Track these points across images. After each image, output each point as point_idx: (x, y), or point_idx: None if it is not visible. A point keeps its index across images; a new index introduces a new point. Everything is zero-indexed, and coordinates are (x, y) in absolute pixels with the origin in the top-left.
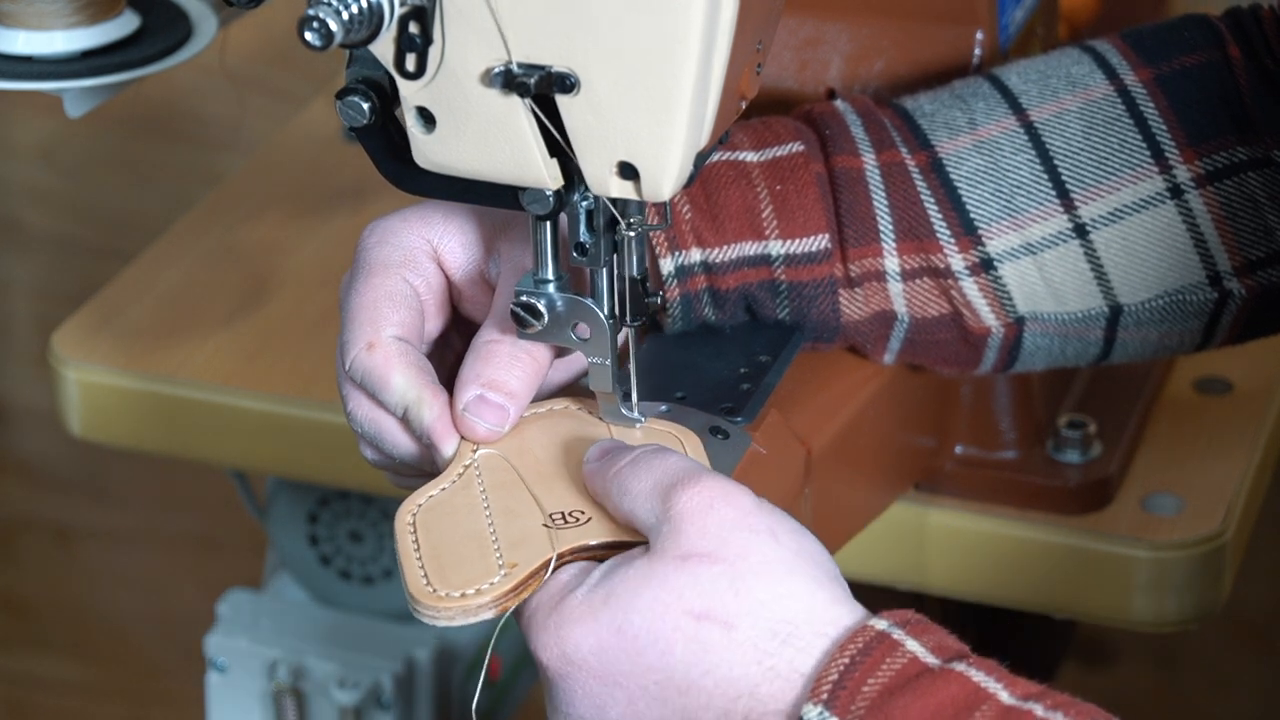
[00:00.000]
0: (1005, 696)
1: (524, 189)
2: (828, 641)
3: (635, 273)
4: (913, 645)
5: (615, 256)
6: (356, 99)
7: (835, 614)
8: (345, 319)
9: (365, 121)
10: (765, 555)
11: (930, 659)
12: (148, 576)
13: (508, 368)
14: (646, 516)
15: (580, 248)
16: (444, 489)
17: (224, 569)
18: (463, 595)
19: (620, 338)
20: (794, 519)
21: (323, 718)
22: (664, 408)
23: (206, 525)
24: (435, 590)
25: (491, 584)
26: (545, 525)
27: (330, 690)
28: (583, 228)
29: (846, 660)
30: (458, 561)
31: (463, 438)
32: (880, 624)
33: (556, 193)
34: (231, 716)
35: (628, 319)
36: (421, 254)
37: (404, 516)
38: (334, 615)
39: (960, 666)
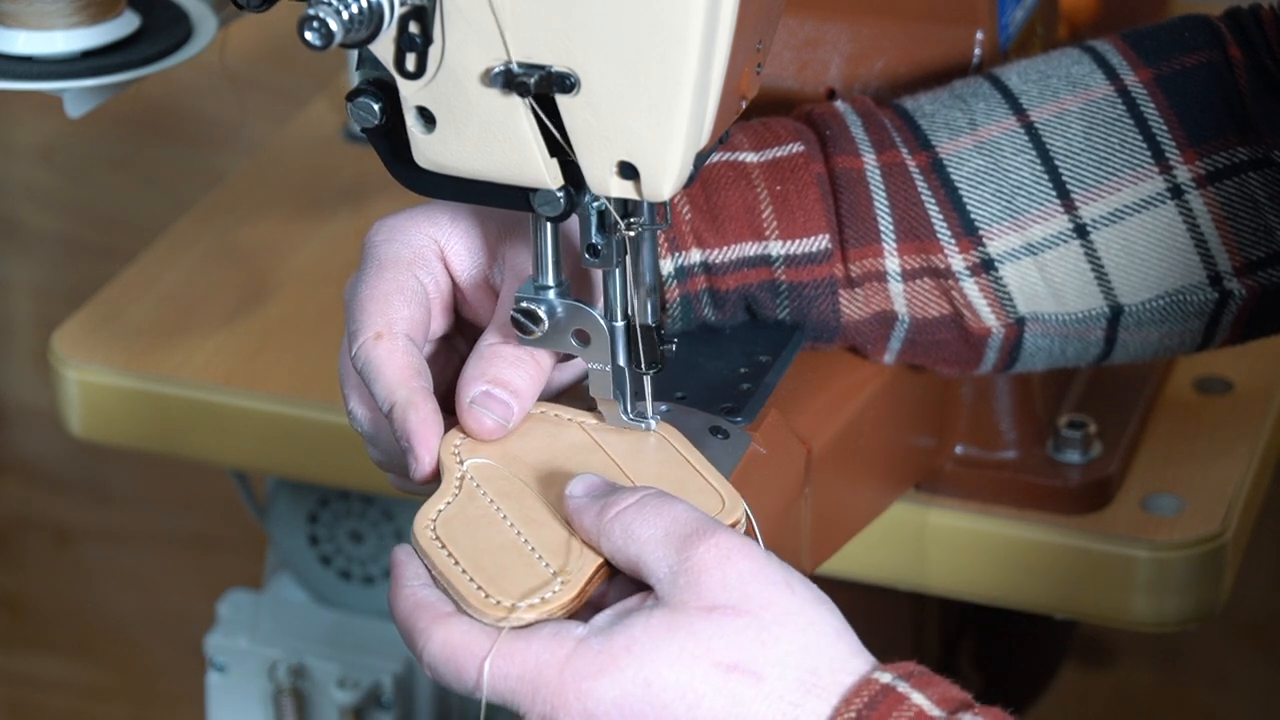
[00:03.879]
0: None
1: (535, 190)
2: (845, 692)
3: (650, 319)
4: (918, 698)
5: (627, 259)
6: (367, 100)
7: (854, 665)
8: (353, 310)
9: (376, 122)
10: (787, 606)
11: (936, 711)
12: (148, 576)
13: (513, 367)
14: (657, 565)
15: (592, 249)
16: (449, 502)
17: (224, 569)
18: (530, 605)
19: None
20: (800, 571)
21: (323, 718)
22: (664, 408)
23: (206, 525)
24: (499, 601)
25: (555, 592)
26: (571, 532)
27: (330, 690)
28: (594, 229)
29: (853, 714)
30: (505, 571)
31: (467, 434)
32: (885, 677)
33: (568, 194)
34: (231, 716)
35: (641, 366)
36: (430, 253)
37: (424, 533)
38: (334, 615)
39: (966, 718)
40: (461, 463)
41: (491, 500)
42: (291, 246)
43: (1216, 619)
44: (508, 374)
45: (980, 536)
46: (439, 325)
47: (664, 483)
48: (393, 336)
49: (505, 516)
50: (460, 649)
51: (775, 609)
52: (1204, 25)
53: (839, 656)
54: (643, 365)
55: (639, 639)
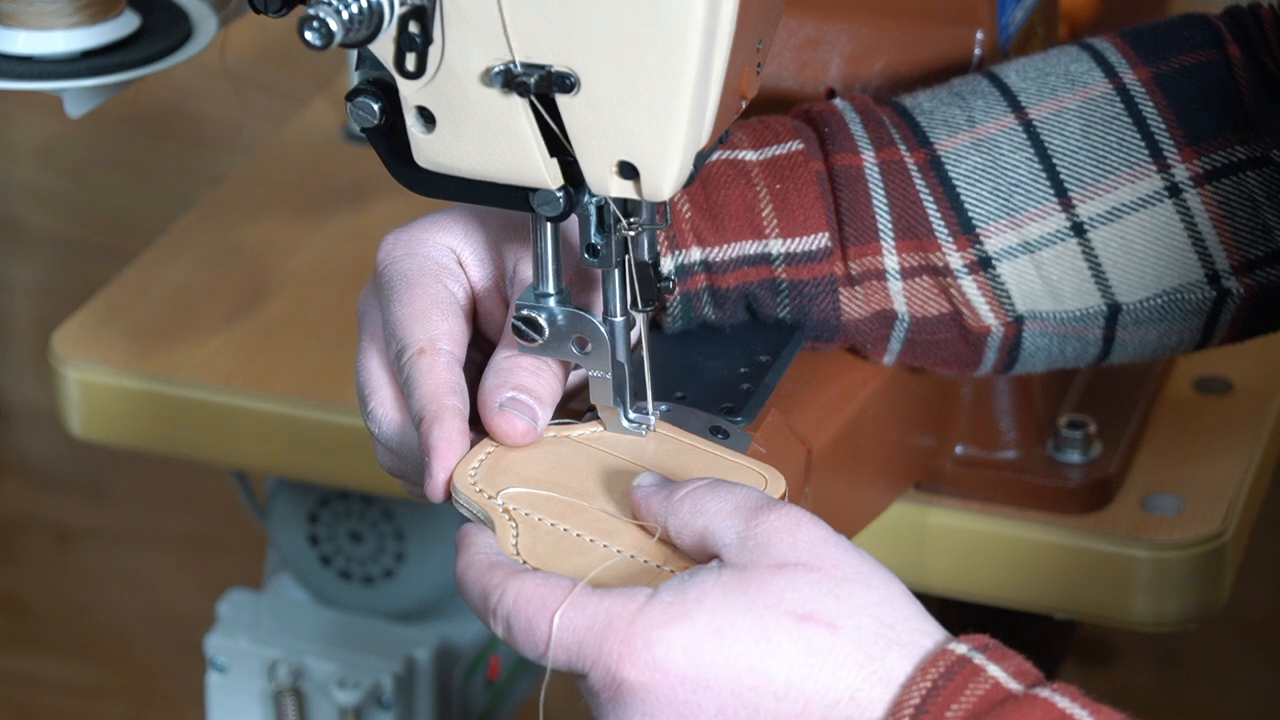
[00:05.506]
0: None
1: (535, 190)
2: (923, 653)
3: (646, 256)
4: (994, 670)
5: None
6: (367, 100)
7: (929, 628)
8: (393, 329)
9: (375, 122)
10: (859, 566)
11: (1013, 685)
12: (148, 576)
13: (533, 376)
14: (724, 534)
15: (592, 249)
16: (518, 538)
17: (224, 569)
18: None
19: (635, 332)
20: None
21: (323, 718)
22: (664, 407)
23: (206, 525)
24: None
25: None
26: (649, 532)
27: (330, 690)
28: (593, 229)
29: (929, 684)
30: (623, 580)
31: (497, 441)
32: (960, 648)
33: (567, 194)
34: (231, 716)
35: (639, 304)
36: (451, 261)
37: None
38: (334, 615)
39: (1044, 692)
40: (492, 498)
41: (553, 524)
42: (291, 246)
43: (1216, 619)
44: (529, 382)
45: (980, 536)
46: (469, 330)
47: (706, 471)
48: (435, 352)
49: (580, 534)
50: (534, 600)
51: (846, 568)
52: (1203, 24)
53: (913, 616)
54: (639, 303)
55: (710, 592)
